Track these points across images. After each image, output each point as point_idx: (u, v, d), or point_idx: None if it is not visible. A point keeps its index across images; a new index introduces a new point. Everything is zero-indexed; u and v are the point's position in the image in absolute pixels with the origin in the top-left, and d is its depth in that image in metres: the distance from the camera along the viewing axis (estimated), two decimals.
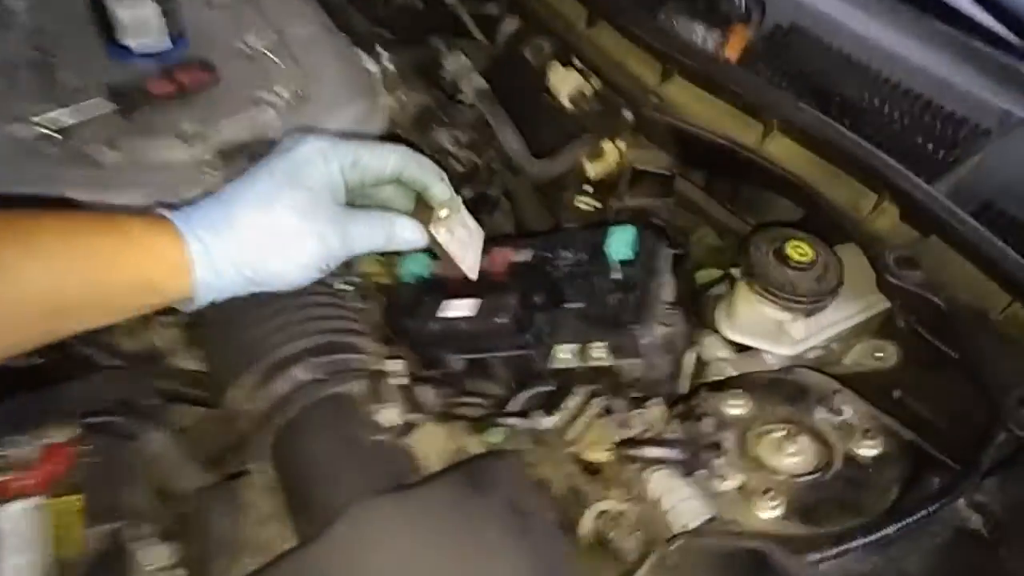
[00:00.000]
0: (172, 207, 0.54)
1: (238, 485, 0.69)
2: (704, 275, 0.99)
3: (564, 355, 0.74)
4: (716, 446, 0.68)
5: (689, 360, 0.79)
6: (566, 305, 0.74)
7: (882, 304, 0.80)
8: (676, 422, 0.71)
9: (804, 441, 0.67)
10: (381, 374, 0.71)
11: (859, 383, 0.77)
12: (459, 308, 0.76)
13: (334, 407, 0.68)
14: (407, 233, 0.61)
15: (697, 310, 0.92)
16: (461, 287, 0.80)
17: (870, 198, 0.78)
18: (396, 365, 0.73)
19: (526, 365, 0.74)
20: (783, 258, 0.75)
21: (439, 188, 0.62)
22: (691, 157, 1.00)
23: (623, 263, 0.73)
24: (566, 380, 0.71)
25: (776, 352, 0.80)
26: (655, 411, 0.67)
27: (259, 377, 0.70)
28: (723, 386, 0.75)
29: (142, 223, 0.52)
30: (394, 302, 0.83)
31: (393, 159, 0.60)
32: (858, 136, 0.78)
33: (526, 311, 0.74)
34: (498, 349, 0.75)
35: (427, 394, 0.71)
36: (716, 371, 0.83)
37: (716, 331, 0.86)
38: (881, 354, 0.83)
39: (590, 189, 1.08)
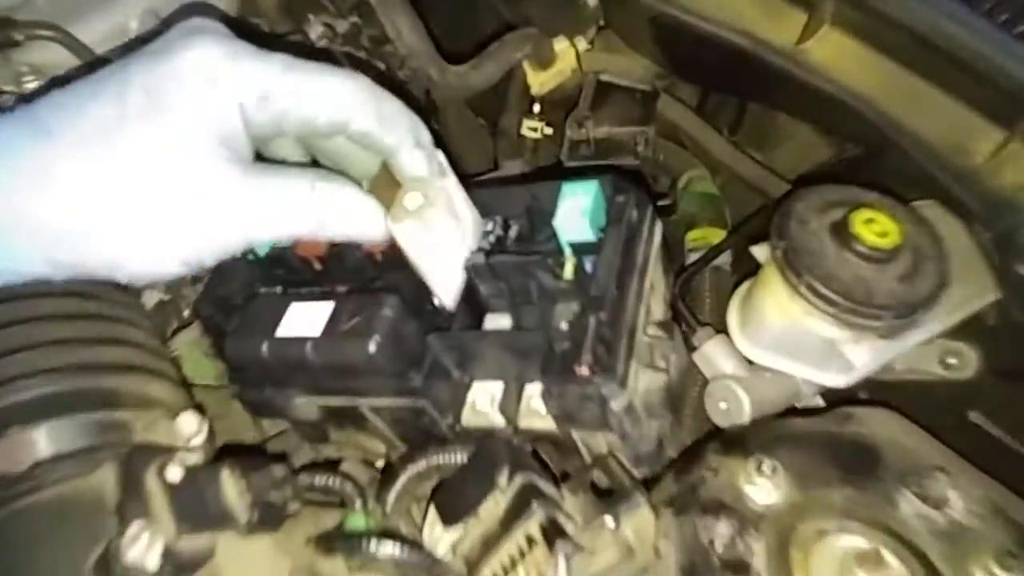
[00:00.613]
0: None
1: None
2: (698, 237, 0.70)
3: (481, 406, 0.43)
4: (739, 567, 0.40)
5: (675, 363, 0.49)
6: (486, 321, 0.43)
7: (984, 299, 0.51)
8: (668, 515, 0.42)
9: (890, 564, 0.39)
10: (158, 452, 0.39)
11: (918, 396, 0.52)
12: (313, 318, 0.45)
13: (48, 524, 0.37)
14: (353, 221, 0.39)
15: (687, 294, 0.63)
16: (324, 276, 0.49)
17: (990, 134, 0.47)
18: (189, 424, 0.41)
19: (414, 421, 0.44)
20: (847, 239, 0.45)
21: (409, 158, 0.41)
22: (683, 65, 0.69)
23: (579, 248, 0.42)
24: (483, 452, 0.41)
25: (818, 381, 0.51)
26: (634, 524, 0.38)
27: None
28: (739, 444, 0.46)
29: None
30: (210, 296, 0.51)
31: (333, 97, 0.38)
32: (975, 25, 0.47)
33: (414, 328, 0.43)
34: (368, 392, 0.44)
35: (245, 480, 0.40)
36: (719, 395, 0.55)
37: (719, 330, 0.57)
38: (954, 360, 0.55)
39: (537, 108, 0.77)
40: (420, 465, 0.44)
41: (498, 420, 0.42)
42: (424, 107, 0.77)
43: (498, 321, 0.44)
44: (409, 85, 0.76)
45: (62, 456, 0.39)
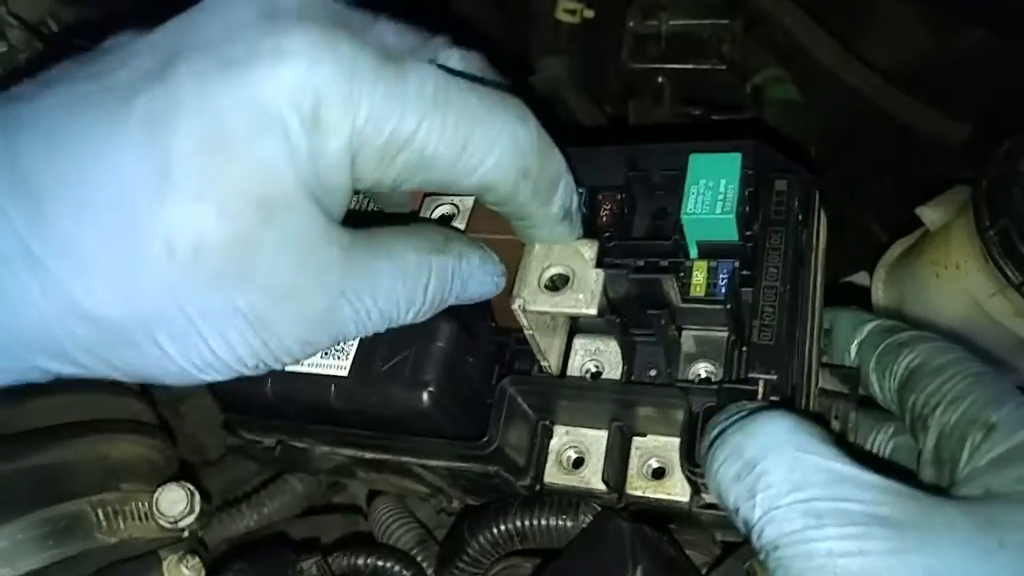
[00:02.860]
0: None
1: None
2: None
3: (569, 461, 0.32)
4: None
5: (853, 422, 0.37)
6: (575, 347, 0.31)
7: None
8: None
9: None
10: (134, 567, 0.28)
11: None
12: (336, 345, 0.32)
13: None
14: (471, 293, 0.29)
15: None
16: None
17: None
18: (174, 502, 0.30)
19: (479, 481, 0.33)
20: None
21: (550, 231, 0.29)
22: None
23: (711, 250, 0.29)
24: (599, 537, 0.30)
25: None
26: None
27: None
28: None
29: None
30: None
31: (499, 157, 0.26)
32: None
33: (478, 365, 0.31)
34: (418, 451, 0.32)
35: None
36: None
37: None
38: None
39: None
40: (497, 531, 0.33)
41: (595, 483, 0.31)
42: None
43: (592, 347, 0.32)
44: None
45: None
